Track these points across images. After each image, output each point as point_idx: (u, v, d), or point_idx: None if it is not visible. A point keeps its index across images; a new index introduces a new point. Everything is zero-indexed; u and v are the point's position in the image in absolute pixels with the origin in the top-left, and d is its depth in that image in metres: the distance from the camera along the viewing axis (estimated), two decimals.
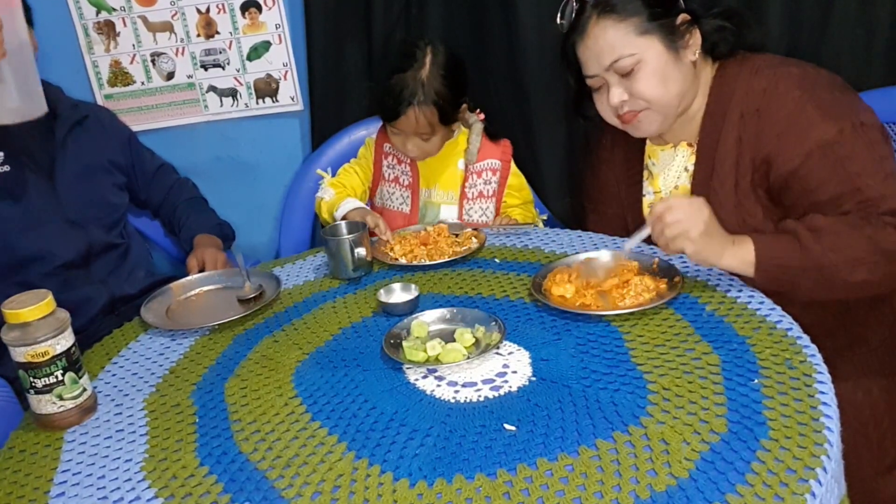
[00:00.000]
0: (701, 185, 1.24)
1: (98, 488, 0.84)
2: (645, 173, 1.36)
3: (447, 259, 1.35)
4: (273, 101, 1.94)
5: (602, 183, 1.45)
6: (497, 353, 1.01)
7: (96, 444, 0.93)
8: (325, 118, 1.88)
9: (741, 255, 1.06)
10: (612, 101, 1.20)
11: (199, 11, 1.84)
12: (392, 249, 1.41)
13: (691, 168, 1.27)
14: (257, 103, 1.94)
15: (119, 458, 0.89)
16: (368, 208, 1.55)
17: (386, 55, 1.76)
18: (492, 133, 1.63)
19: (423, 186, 1.63)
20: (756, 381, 0.87)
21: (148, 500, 0.80)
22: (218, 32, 1.87)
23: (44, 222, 1.41)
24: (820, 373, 0.87)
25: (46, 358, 0.92)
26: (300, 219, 1.86)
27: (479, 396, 0.92)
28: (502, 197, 1.64)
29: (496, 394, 0.92)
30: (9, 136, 1.37)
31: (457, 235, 1.44)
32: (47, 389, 0.94)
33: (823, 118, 1.10)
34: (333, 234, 1.37)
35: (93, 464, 0.88)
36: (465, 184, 1.62)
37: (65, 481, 0.86)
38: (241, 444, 0.88)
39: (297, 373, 1.04)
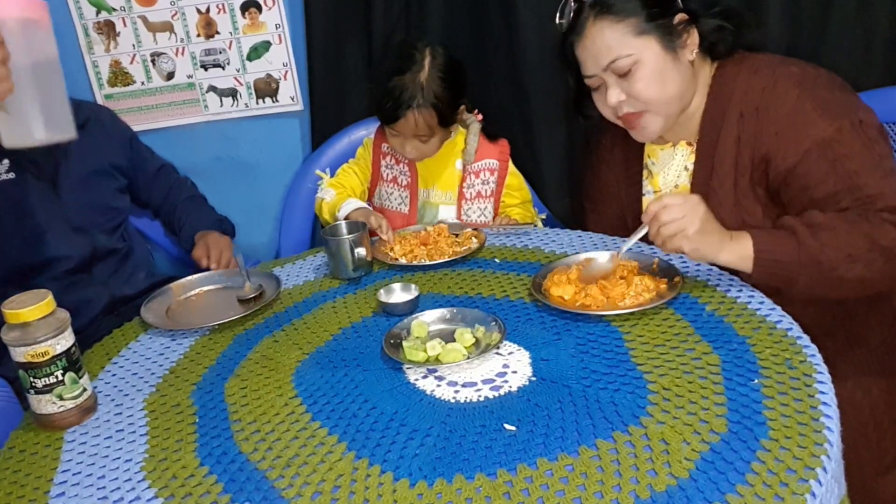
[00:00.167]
0: (700, 184, 1.24)
1: (98, 488, 0.84)
2: (645, 173, 1.36)
3: (447, 259, 1.35)
4: (273, 101, 1.94)
5: (602, 183, 1.45)
6: (497, 353, 1.01)
7: (96, 444, 0.93)
8: (325, 118, 1.88)
9: (739, 250, 1.06)
10: (609, 102, 1.20)
11: (199, 11, 1.84)
12: (392, 249, 1.41)
13: (691, 167, 1.27)
14: (257, 103, 1.94)
15: (119, 458, 0.89)
16: (371, 209, 1.55)
17: (385, 57, 1.76)
18: (489, 133, 1.63)
19: (422, 187, 1.63)
20: (756, 381, 0.87)
21: (148, 500, 0.80)
22: (218, 32, 1.87)
23: (49, 230, 1.41)
24: (820, 373, 0.87)
25: (46, 358, 0.92)
26: (300, 219, 1.86)
27: (479, 396, 0.92)
28: (500, 197, 1.64)
29: (496, 394, 0.92)
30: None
31: (457, 235, 1.45)
32: (47, 389, 0.94)
33: (822, 116, 1.10)
34: (333, 234, 1.37)
35: (93, 464, 0.88)
36: (463, 184, 1.62)
37: (65, 481, 0.86)
38: (241, 444, 0.88)
39: (297, 373, 1.04)
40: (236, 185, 2.01)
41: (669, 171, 1.31)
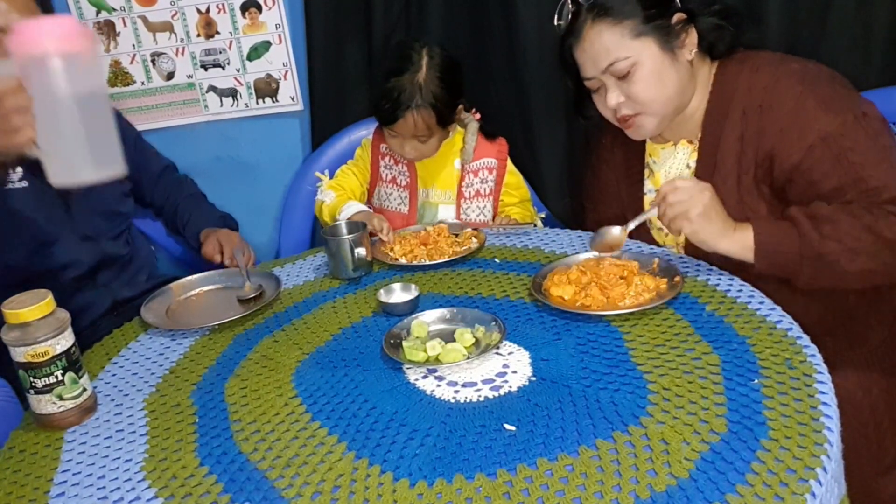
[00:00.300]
0: (703, 181, 1.24)
1: (98, 488, 0.84)
2: (646, 171, 1.36)
3: (447, 259, 1.35)
4: (273, 101, 1.94)
5: (603, 183, 1.45)
6: (497, 353, 1.01)
7: (96, 444, 0.93)
8: (325, 118, 1.88)
9: (741, 240, 1.08)
10: (609, 104, 1.21)
11: (199, 11, 1.84)
12: (392, 249, 1.41)
13: (693, 165, 1.27)
14: (257, 103, 1.94)
15: (119, 458, 0.89)
16: (371, 211, 1.55)
17: (383, 58, 1.76)
18: (487, 132, 1.63)
19: (421, 187, 1.63)
20: (756, 381, 0.87)
21: (148, 500, 0.80)
22: (218, 32, 1.87)
23: (58, 239, 1.40)
24: (820, 373, 0.87)
25: (46, 358, 0.92)
26: (300, 219, 1.86)
27: (479, 396, 0.92)
28: (499, 195, 1.65)
29: (496, 394, 0.92)
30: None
31: (457, 235, 1.45)
32: (47, 389, 0.94)
33: (825, 111, 1.11)
34: (333, 234, 1.37)
35: (93, 464, 0.88)
36: (462, 183, 1.62)
37: (65, 481, 0.86)
38: (241, 444, 0.88)
39: (297, 373, 1.04)
40: (236, 185, 2.01)
41: (671, 169, 1.31)
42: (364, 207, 1.55)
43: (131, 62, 1.89)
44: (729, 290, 1.10)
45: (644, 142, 1.35)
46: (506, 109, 1.77)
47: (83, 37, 0.97)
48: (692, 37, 1.20)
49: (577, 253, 1.28)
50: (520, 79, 1.71)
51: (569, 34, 1.22)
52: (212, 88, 1.92)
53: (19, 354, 0.92)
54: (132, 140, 1.67)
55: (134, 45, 1.87)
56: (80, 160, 1.00)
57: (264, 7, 1.84)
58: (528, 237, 1.45)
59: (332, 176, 1.70)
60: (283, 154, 1.99)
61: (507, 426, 0.85)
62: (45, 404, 0.95)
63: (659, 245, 1.34)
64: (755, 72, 1.19)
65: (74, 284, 1.43)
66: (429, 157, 1.59)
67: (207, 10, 1.84)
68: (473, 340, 1.03)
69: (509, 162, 1.65)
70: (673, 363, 0.93)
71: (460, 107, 1.58)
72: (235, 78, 1.91)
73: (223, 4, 1.84)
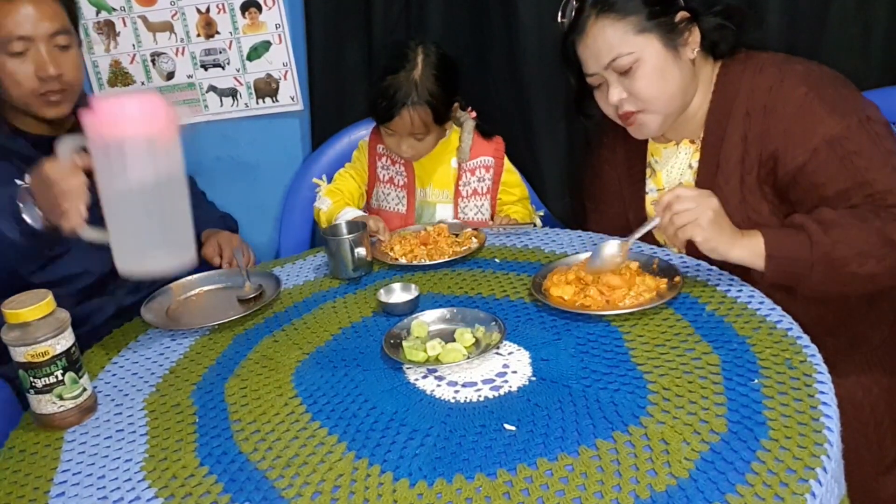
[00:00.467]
0: (705, 181, 1.24)
1: (98, 488, 0.84)
2: (648, 171, 1.36)
3: (447, 259, 1.35)
4: (273, 101, 1.94)
5: (604, 182, 1.45)
6: (497, 353, 1.01)
7: (96, 443, 0.93)
8: (325, 118, 1.88)
9: (752, 246, 1.06)
10: (611, 100, 1.21)
11: (199, 11, 1.84)
12: (392, 249, 1.41)
13: (695, 165, 1.27)
14: (257, 103, 1.94)
15: (119, 458, 0.89)
16: (367, 215, 1.56)
17: (378, 58, 1.76)
18: (484, 130, 1.63)
19: (419, 186, 1.63)
20: (756, 381, 0.87)
21: (148, 500, 0.80)
22: (218, 32, 1.87)
23: (70, 248, 1.39)
24: (820, 373, 0.87)
25: (46, 358, 0.92)
26: (300, 219, 1.86)
27: (479, 396, 0.92)
28: (497, 194, 1.65)
29: (496, 394, 0.92)
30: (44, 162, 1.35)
31: (457, 235, 1.45)
32: (47, 389, 0.94)
33: (830, 114, 1.11)
34: (333, 234, 1.37)
35: (93, 464, 0.88)
36: (459, 182, 1.62)
37: (65, 481, 0.86)
38: (241, 444, 0.88)
39: (297, 373, 1.04)
40: (236, 185, 2.01)
41: (673, 169, 1.31)
42: (359, 213, 1.55)
43: (131, 62, 1.89)
44: (729, 290, 1.10)
45: (646, 141, 1.35)
46: (506, 109, 1.77)
47: (164, 119, 0.92)
48: (695, 35, 1.20)
49: (577, 253, 1.28)
50: (520, 78, 1.71)
51: (572, 30, 1.22)
52: (212, 88, 1.92)
53: (19, 354, 0.92)
54: None
55: (134, 45, 1.87)
56: (148, 250, 0.96)
57: (264, 7, 1.84)
58: (528, 237, 1.45)
59: (330, 180, 1.70)
60: (283, 154, 1.99)
61: (507, 426, 0.85)
62: (45, 404, 0.95)
63: (659, 245, 1.34)
64: (759, 72, 1.19)
65: (82, 293, 1.42)
66: (425, 156, 1.59)
67: (207, 10, 1.84)
68: (473, 340, 1.03)
69: (507, 160, 1.65)
70: (673, 363, 0.93)
71: (456, 105, 1.58)
72: (235, 78, 1.91)
73: (223, 4, 1.84)
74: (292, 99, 1.93)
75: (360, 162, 1.69)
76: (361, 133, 1.79)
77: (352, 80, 1.85)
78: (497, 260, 1.35)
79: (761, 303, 1.05)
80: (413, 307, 1.17)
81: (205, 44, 1.88)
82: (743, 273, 1.12)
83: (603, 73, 1.20)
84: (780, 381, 0.86)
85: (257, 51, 1.89)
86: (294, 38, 1.87)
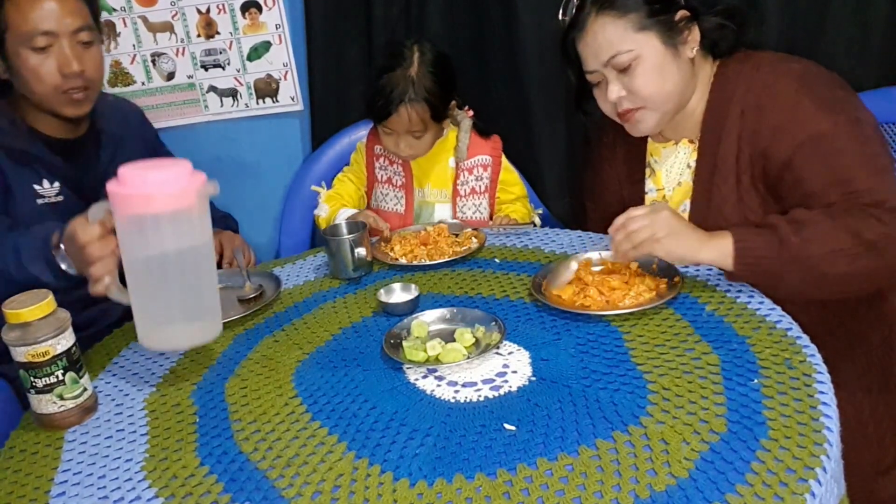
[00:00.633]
0: (703, 181, 1.24)
1: (98, 488, 0.84)
2: (647, 171, 1.36)
3: (447, 259, 1.35)
4: (273, 102, 1.94)
5: (604, 181, 1.45)
6: (497, 353, 1.02)
7: (97, 443, 0.93)
8: (325, 118, 1.89)
9: (719, 247, 1.07)
10: (610, 97, 1.21)
11: (199, 12, 1.84)
12: (392, 249, 1.41)
13: (693, 164, 1.27)
14: (257, 103, 1.94)
15: (119, 457, 0.89)
16: (360, 211, 1.57)
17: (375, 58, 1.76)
18: (481, 129, 1.64)
19: (417, 186, 1.63)
20: (756, 381, 0.87)
21: (148, 500, 0.80)
22: (218, 33, 1.87)
23: None
24: (819, 373, 0.87)
25: (47, 358, 0.92)
26: (300, 219, 1.87)
27: (479, 396, 0.92)
28: (495, 192, 1.65)
29: (496, 394, 0.92)
30: (62, 166, 1.34)
31: (457, 235, 1.45)
32: (48, 389, 0.94)
33: (818, 111, 1.11)
34: (333, 234, 1.37)
35: (93, 463, 0.88)
36: (457, 181, 1.62)
37: (65, 481, 0.86)
38: (242, 443, 0.88)
39: (297, 373, 1.04)
40: (236, 185, 2.01)
41: (672, 168, 1.32)
42: (354, 211, 1.57)
43: (132, 62, 1.89)
44: (729, 290, 1.10)
45: (645, 141, 1.35)
46: (505, 109, 1.77)
47: (190, 191, 0.89)
48: (695, 34, 1.20)
49: (576, 253, 1.28)
50: (519, 78, 1.71)
51: (572, 27, 1.22)
52: (212, 88, 1.92)
53: (20, 354, 0.92)
54: (152, 140, 1.64)
55: (134, 46, 1.87)
56: (170, 325, 0.94)
57: (264, 7, 1.84)
58: (528, 237, 1.45)
59: (329, 184, 1.70)
60: (283, 154, 1.99)
61: (507, 426, 0.85)
62: (45, 404, 0.95)
63: None
64: (755, 71, 1.19)
65: (88, 299, 1.42)
66: (423, 156, 1.60)
67: (207, 11, 1.84)
68: (473, 340, 1.03)
69: (504, 159, 1.65)
70: (673, 363, 0.93)
71: (453, 103, 1.58)
72: (235, 78, 1.91)
73: (223, 5, 1.84)
74: (292, 99, 1.93)
75: (357, 164, 1.69)
76: (361, 133, 1.79)
77: (352, 80, 1.85)
78: (497, 260, 1.35)
79: (761, 303, 1.06)
80: (413, 307, 1.17)
81: (205, 44, 1.88)
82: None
83: (602, 70, 1.20)
84: (780, 381, 0.86)
85: (257, 51, 1.89)
86: (294, 39, 1.87)
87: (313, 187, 1.70)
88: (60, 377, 0.94)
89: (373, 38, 1.80)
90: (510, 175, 1.66)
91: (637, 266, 1.17)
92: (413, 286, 1.20)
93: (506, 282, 1.25)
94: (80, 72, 1.25)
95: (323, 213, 1.62)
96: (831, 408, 0.80)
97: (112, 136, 1.46)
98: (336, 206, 1.62)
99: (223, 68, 1.90)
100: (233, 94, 1.93)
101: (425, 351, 1.00)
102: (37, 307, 0.91)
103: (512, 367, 0.98)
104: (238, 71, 1.91)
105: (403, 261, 1.37)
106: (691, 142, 1.29)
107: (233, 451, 0.87)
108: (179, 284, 0.93)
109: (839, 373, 0.90)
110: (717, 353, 0.94)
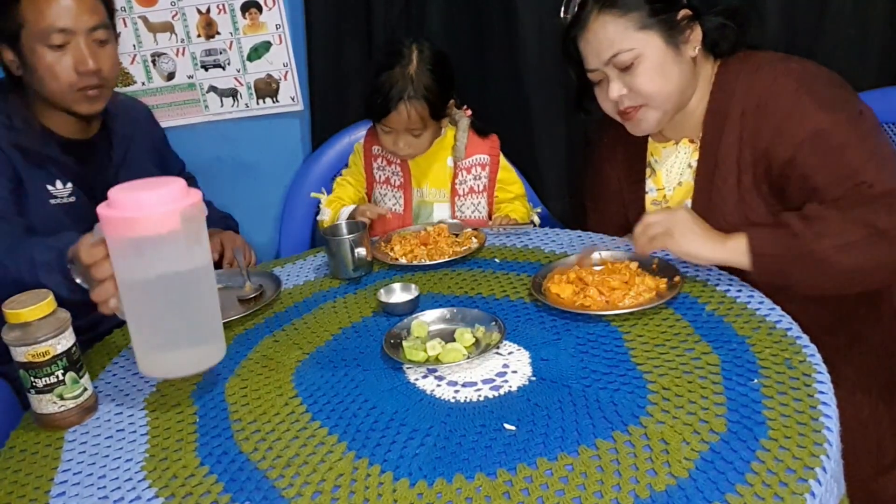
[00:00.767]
0: (704, 181, 1.24)
1: (98, 488, 0.84)
2: (647, 170, 1.36)
3: (447, 259, 1.35)
4: (273, 102, 1.94)
5: (604, 181, 1.45)
6: (497, 353, 1.02)
7: (97, 443, 0.93)
8: (325, 118, 1.89)
9: (735, 247, 1.08)
10: (611, 95, 1.21)
11: (199, 12, 1.84)
12: (392, 249, 1.42)
13: (694, 164, 1.28)
14: (257, 103, 1.94)
15: (119, 457, 0.89)
16: (356, 206, 1.59)
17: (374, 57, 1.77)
18: (479, 128, 1.64)
19: (415, 186, 1.63)
20: (755, 380, 0.87)
21: (148, 500, 0.80)
22: (218, 33, 1.87)
23: None
24: (819, 373, 0.87)
25: (47, 358, 0.92)
26: (300, 219, 1.87)
27: (479, 396, 0.92)
28: (494, 191, 1.65)
29: (496, 394, 0.92)
30: (75, 166, 1.34)
31: (457, 235, 1.45)
32: (48, 389, 0.94)
33: (819, 109, 1.11)
34: (333, 234, 1.37)
35: (93, 463, 0.88)
36: (456, 180, 1.62)
37: (65, 481, 0.86)
38: (242, 443, 0.88)
39: (297, 373, 1.04)
40: (236, 185, 2.01)
41: (672, 168, 1.32)
42: (352, 208, 1.58)
43: (132, 62, 1.89)
44: (729, 290, 1.10)
45: (646, 140, 1.35)
46: (505, 109, 1.77)
47: (174, 213, 0.85)
48: (696, 34, 1.20)
49: (577, 253, 1.28)
50: (519, 78, 1.71)
51: (574, 25, 1.22)
52: (212, 89, 1.92)
53: (20, 354, 0.92)
54: (159, 140, 1.65)
55: (134, 46, 1.87)
56: (169, 351, 0.91)
57: (264, 7, 1.84)
58: (528, 237, 1.45)
59: (329, 189, 1.70)
60: (283, 154, 1.99)
61: (507, 426, 0.85)
62: (45, 404, 0.95)
63: None
64: (755, 71, 1.19)
65: (92, 303, 1.42)
66: (421, 155, 1.60)
67: (208, 11, 1.84)
68: (473, 340, 1.03)
69: (503, 158, 1.65)
70: (673, 363, 0.93)
71: (452, 102, 1.58)
72: (236, 78, 1.91)
73: (223, 5, 1.84)
74: (292, 99, 1.93)
75: (356, 165, 1.69)
76: (361, 133, 1.79)
77: (352, 80, 1.85)
78: (497, 260, 1.35)
79: (761, 303, 1.06)
80: (413, 307, 1.17)
81: (205, 44, 1.88)
82: (742, 273, 1.12)
83: (604, 68, 1.20)
84: (780, 381, 0.86)
85: (258, 51, 1.89)
86: (294, 39, 1.87)
87: (313, 194, 1.70)
88: (60, 377, 0.94)
89: (373, 38, 1.80)
90: (508, 174, 1.66)
91: (637, 266, 1.17)
92: (413, 286, 1.20)
93: (506, 282, 1.25)
94: (96, 70, 1.25)
95: (326, 216, 1.63)
96: (831, 408, 0.81)
97: (123, 136, 1.46)
98: (337, 208, 1.62)
99: (223, 68, 1.90)
100: (233, 94, 1.93)
101: (425, 351, 1.00)
102: (37, 307, 0.91)
103: (512, 366, 0.98)
104: (238, 71, 1.91)
105: (403, 261, 1.37)
106: (692, 141, 1.29)
107: (233, 450, 0.87)
108: (168, 310, 0.89)
109: (839, 373, 0.90)
110: (717, 353, 0.94)
